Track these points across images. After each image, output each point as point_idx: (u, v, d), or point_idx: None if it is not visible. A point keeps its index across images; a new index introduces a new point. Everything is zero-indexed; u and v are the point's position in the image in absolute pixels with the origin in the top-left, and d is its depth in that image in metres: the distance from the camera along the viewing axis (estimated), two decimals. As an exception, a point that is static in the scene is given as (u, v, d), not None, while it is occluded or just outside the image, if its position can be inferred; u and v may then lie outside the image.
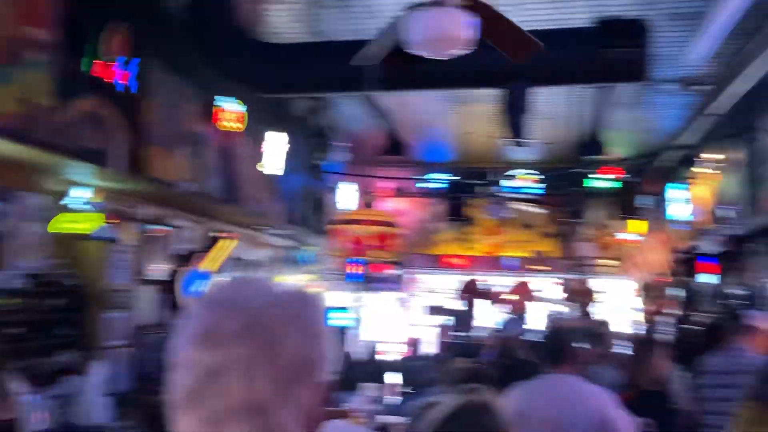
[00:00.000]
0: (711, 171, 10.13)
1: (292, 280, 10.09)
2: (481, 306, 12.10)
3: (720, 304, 9.20)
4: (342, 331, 11.91)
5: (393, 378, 7.91)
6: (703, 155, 10.21)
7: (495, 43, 4.32)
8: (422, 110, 10.47)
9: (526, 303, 11.71)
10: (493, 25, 4.03)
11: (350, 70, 5.55)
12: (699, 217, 10.72)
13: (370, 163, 13.11)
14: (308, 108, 10.35)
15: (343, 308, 12.27)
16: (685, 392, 4.51)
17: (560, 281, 12.73)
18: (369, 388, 5.68)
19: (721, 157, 9.73)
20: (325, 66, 6.84)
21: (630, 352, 5.37)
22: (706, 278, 10.08)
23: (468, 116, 10.78)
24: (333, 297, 12.32)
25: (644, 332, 8.69)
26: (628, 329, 8.77)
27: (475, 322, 11.74)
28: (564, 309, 11.66)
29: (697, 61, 7.63)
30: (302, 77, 7.12)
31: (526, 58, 4.69)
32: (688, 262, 10.66)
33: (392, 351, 11.24)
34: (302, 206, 10.69)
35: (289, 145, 9.22)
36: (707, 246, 9.57)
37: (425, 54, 3.88)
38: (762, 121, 8.00)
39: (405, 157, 11.50)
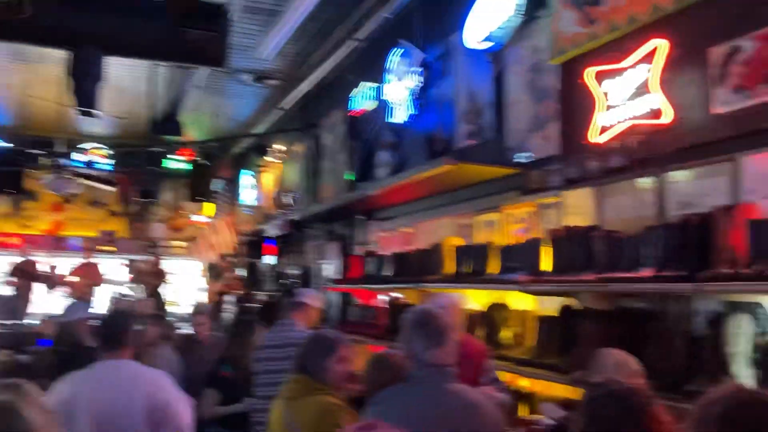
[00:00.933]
0: (278, 161, 10.98)
1: None
2: (38, 290, 10.90)
3: (278, 283, 10.03)
4: None
5: None
6: (272, 145, 10.99)
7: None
8: (-29, 62, 8.92)
9: (93, 286, 10.97)
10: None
11: None
12: (265, 202, 11.52)
13: None
14: None
15: None
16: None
17: (129, 262, 12.26)
18: None
19: (287, 148, 10.61)
20: None
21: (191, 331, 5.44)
22: (270, 259, 10.91)
23: (31, 77, 9.56)
24: None
25: (240, 311, 8.93)
26: (202, 310, 8.84)
27: (30, 309, 10.54)
28: (132, 291, 11.27)
29: (269, 57, 8.12)
30: None
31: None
32: (254, 244, 11.36)
33: None
34: None
35: None
36: (272, 229, 10.33)
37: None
38: (323, 120, 8.94)
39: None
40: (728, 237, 2.78)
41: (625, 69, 3.78)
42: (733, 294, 2.90)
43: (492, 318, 4.38)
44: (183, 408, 2.90)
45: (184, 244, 14.76)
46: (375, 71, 7.05)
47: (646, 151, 3.65)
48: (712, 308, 3.04)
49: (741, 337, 2.71)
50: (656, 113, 3.58)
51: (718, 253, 2.81)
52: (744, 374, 2.67)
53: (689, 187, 3.37)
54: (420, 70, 6.21)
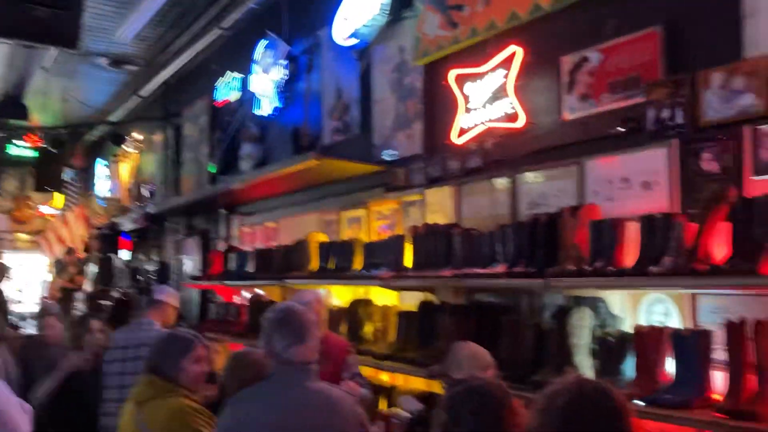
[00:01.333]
0: (135, 150, 10.45)
1: None
2: None
3: (134, 279, 9.56)
4: None
5: None
6: (130, 134, 10.43)
7: None
8: None
9: None
10: None
11: None
12: (121, 194, 10.93)
13: None
14: None
15: None
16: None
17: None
18: None
19: (145, 137, 10.12)
20: None
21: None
22: (125, 254, 10.36)
23: None
24: None
25: (88, 309, 8.35)
26: (51, 310, 8.18)
27: None
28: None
29: (127, 40, 7.71)
30: None
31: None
32: (108, 238, 10.75)
33: None
34: None
35: None
36: (128, 223, 9.82)
37: None
38: (184, 109, 8.60)
39: None
40: (573, 236, 2.97)
41: (484, 73, 3.93)
42: (577, 289, 3.10)
43: (355, 314, 4.41)
44: (17, 414, 2.66)
45: (29, 237, 13.73)
46: (241, 62, 6.88)
47: (501, 153, 3.82)
48: (559, 302, 3.24)
49: (583, 329, 2.90)
50: (511, 117, 3.76)
51: (564, 251, 2.99)
52: (586, 364, 2.86)
53: (540, 188, 3.56)
54: (286, 63, 6.13)
